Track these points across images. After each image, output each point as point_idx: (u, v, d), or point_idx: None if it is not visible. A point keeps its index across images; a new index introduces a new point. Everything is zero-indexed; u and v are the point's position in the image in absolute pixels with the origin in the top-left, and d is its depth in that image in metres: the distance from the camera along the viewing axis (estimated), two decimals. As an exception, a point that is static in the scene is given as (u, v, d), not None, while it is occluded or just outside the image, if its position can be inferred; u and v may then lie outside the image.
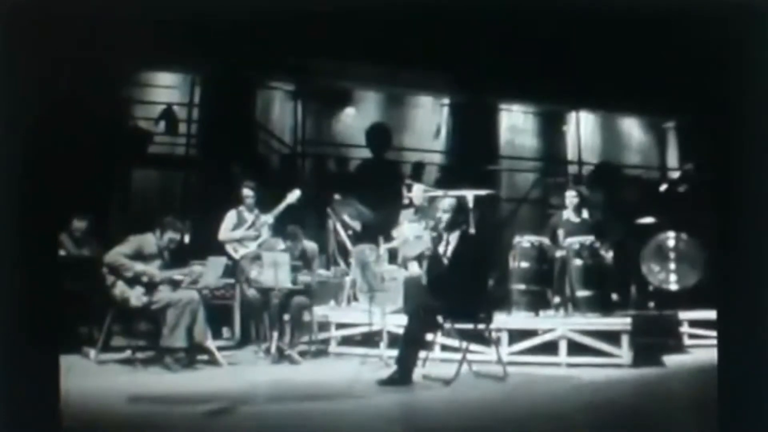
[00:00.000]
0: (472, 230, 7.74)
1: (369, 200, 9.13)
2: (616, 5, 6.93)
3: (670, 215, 9.18)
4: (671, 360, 7.47)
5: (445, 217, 6.83)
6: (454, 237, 6.79)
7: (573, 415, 6.06)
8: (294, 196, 8.40)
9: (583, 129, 11.77)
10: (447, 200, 6.97)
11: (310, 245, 8.10)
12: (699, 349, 7.94)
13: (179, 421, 5.65)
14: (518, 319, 7.82)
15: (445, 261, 6.78)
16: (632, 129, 12.67)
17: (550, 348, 7.37)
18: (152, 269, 7.08)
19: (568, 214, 8.53)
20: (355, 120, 11.17)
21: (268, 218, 8.30)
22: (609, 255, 8.24)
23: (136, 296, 7.02)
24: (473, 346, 6.96)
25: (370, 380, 6.56)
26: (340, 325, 7.94)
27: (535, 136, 11.96)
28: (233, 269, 7.85)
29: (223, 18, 7.61)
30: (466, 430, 5.60)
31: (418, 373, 6.65)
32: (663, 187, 9.92)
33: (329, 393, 6.36)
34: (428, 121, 11.72)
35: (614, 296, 8.38)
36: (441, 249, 6.85)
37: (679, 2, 6.09)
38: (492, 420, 5.83)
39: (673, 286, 8.98)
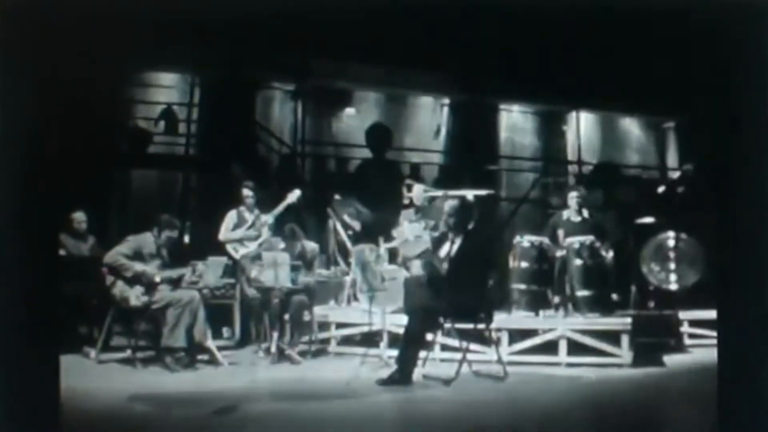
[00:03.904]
0: (474, 230, 7.75)
1: (369, 200, 9.13)
2: (615, 5, 6.93)
3: (670, 215, 9.18)
4: (671, 360, 7.47)
5: (452, 221, 6.85)
6: (459, 237, 6.81)
7: (573, 415, 6.06)
8: (294, 196, 8.41)
9: (583, 129, 11.77)
10: (452, 202, 6.98)
11: (311, 245, 8.10)
12: (699, 349, 7.93)
13: (179, 421, 5.66)
14: (518, 319, 7.82)
15: (447, 261, 6.79)
16: (632, 129, 12.67)
17: (550, 348, 7.38)
18: (151, 269, 7.09)
19: (569, 214, 8.53)
20: (355, 120, 11.16)
21: (269, 218, 8.30)
22: (609, 255, 8.24)
23: (135, 296, 7.03)
24: (473, 346, 6.97)
25: (370, 380, 6.56)
26: (340, 325, 7.94)
27: (535, 136, 11.96)
28: (233, 269, 7.85)
29: (222, 18, 7.61)
30: (466, 430, 5.60)
31: (418, 373, 6.65)
32: (662, 188, 9.91)
33: (329, 393, 6.36)
34: (428, 121, 11.72)
35: (614, 296, 8.37)
36: (445, 249, 6.85)
37: (679, 2, 6.10)
38: (492, 420, 5.84)
39: (673, 286, 8.98)
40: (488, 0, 8.50)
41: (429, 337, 6.95)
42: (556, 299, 8.24)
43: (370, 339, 7.55)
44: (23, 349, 5.31)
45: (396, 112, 11.57)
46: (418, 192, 8.63)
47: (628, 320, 7.41)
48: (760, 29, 5.57)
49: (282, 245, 7.84)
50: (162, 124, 10.18)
